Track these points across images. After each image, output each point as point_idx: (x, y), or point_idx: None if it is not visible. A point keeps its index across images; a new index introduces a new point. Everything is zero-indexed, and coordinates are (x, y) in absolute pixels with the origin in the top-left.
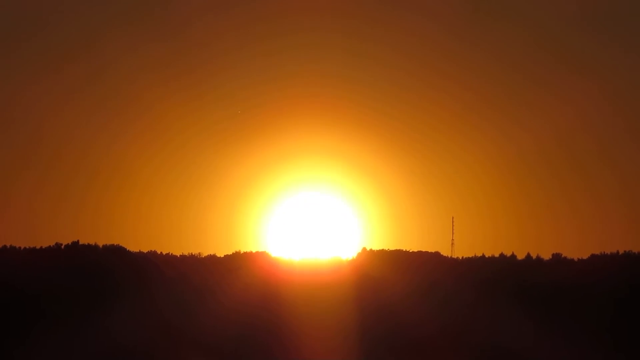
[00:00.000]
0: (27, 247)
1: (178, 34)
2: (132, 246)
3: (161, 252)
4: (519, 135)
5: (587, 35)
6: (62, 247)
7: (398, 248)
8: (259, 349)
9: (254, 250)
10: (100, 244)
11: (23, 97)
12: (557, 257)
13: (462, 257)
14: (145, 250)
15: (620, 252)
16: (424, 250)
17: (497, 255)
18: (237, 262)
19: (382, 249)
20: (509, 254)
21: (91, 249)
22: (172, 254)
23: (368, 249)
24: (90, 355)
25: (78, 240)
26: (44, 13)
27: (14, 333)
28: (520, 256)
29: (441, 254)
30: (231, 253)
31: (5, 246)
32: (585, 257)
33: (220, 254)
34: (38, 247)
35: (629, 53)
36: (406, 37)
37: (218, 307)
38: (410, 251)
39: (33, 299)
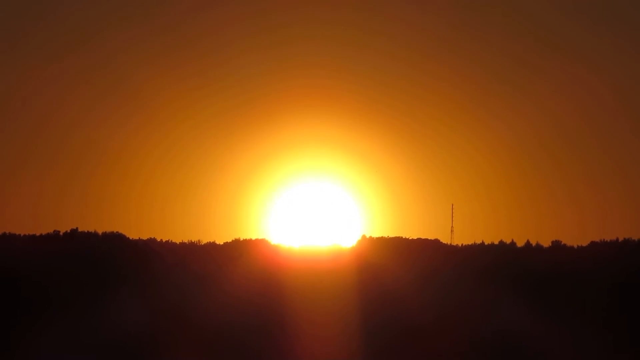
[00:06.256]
0: (27, 234)
1: (179, 26)
2: (132, 233)
3: (161, 240)
4: (518, 123)
5: (587, 24)
6: (61, 234)
7: (398, 235)
8: (261, 335)
9: (253, 238)
10: (100, 232)
11: (24, 89)
12: (556, 244)
13: (462, 244)
14: (144, 238)
15: (620, 239)
16: (423, 237)
17: (496, 242)
18: (237, 250)
19: (382, 237)
20: (508, 241)
21: (90, 236)
22: (171, 241)
23: (368, 236)
24: (95, 340)
25: (77, 228)
26: (43, 6)
27: (16, 320)
28: (520, 243)
29: (441, 241)
30: (231, 240)
31: (5, 233)
32: (584, 244)
33: (220, 241)
34: (38, 234)
35: (628, 42)
36: (403, 26)
37: (219, 294)
38: (410, 238)
39: (35, 286)
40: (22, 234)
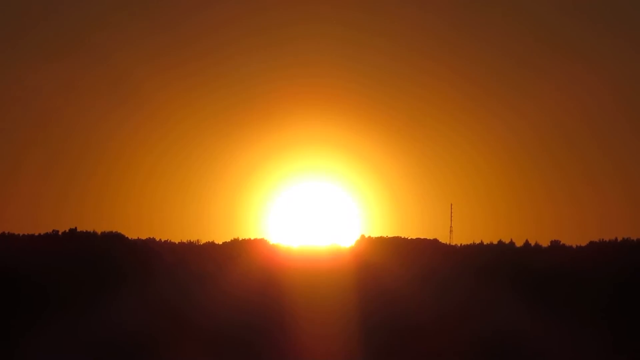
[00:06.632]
0: (26, 234)
1: (178, 24)
2: (131, 233)
3: (160, 239)
4: (518, 122)
5: (587, 24)
6: (60, 233)
7: (397, 235)
8: (260, 334)
9: (252, 238)
10: (99, 231)
11: (23, 87)
12: (555, 244)
13: (461, 244)
14: (143, 238)
15: (619, 239)
16: (422, 237)
17: (495, 242)
18: (236, 249)
19: (381, 236)
20: (507, 240)
21: (89, 235)
22: (170, 241)
23: (367, 236)
24: (94, 340)
25: (76, 227)
26: (43, 5)
27: (15, 320)
28: (519, 243)
29: (440, 241)
30: (230, 240)
31: (4, 233)
32: (583, 244)
33: (219, 241)
34: (37, 234)
35: (628, 42)
36: (403, 25)
37: (218, 293)
38: (409, 238)
39: (34, 285)
40: (21, 234)
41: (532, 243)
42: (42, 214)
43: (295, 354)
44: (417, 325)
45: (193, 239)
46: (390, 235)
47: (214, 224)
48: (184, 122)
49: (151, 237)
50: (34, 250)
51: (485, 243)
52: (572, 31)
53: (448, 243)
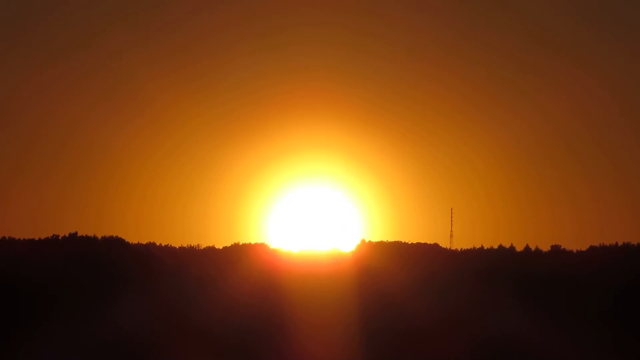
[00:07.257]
0: (27, 238)
1: (181, 27)
2: (131, 238)
3: (160, 244)
4: (518, 126)
5: (586, 26)
6: (60, 238)
7: (397, 240)
8: (261, 338)
9: (253, 242)
10: (99, 236)
11: (24, 90)
12: (556, 249)
13: (461, 249)
14: (144, 242)
15: (619, 243)
16: (422, 241)
17: (495, 246)
18: (236, 254)
19: (381, 241)
20: (507, 245)
21: (90, 240)
22: (171, 245)
23: (367, 240)
24: (95, 344)
25: (77, 232)
26: (44, 6)
27: (16, 325)
28: (519, 248)
29: (440, 245)
30: (230, 245)
31: (4, 237)
32: (584, 248)
33: (220, 245)
34: (37, 238)
35: (628, 44)
36: (403, 29)
37: (219, 297)
38: (409, 243)
39: (34, 290)
40: (21, 238)
41: (533, 248)
42: (43, 219)
43: (296, 357)
44: (417, 329)
45: (193, 243)
46: (391, 239)
47: (215, 229)
48: (185, 126)
49: (152, 241)
50: (34, 255)
51: (485, 247)
52: (572, 33)
53: (448, 247)
